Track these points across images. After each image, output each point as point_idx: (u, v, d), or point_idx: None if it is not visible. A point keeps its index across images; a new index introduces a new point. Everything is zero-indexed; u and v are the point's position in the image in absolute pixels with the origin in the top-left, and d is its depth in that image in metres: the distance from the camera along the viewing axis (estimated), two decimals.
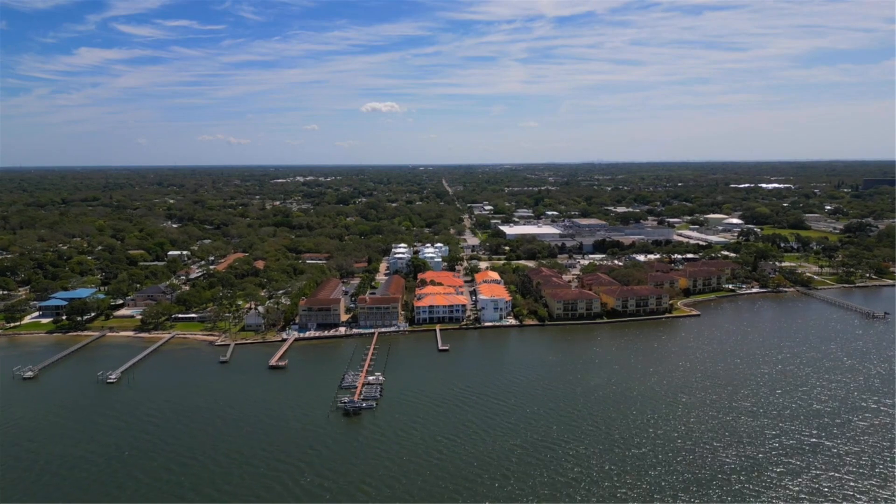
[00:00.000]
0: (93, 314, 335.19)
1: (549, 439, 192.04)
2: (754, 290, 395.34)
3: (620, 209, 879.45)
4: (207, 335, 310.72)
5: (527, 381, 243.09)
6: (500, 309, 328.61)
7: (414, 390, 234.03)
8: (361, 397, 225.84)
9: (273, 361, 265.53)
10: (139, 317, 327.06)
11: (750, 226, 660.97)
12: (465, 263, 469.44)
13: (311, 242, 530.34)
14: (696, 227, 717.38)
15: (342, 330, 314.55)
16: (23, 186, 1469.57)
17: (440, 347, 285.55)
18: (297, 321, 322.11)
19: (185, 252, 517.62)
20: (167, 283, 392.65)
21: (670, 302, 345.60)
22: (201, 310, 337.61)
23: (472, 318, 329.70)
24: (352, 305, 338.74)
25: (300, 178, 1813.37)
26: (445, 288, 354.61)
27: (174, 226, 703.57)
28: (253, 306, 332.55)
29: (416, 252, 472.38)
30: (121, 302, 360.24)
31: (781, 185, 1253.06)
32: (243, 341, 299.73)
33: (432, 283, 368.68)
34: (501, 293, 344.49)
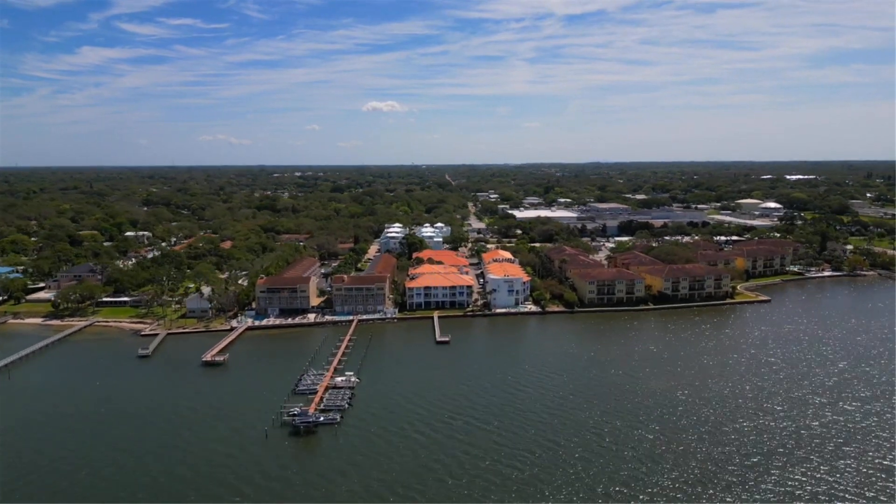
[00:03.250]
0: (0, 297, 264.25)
1: (608, 487, 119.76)
2: (826, 274, 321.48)
3: (639, 196, 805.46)
4: (136, 322, 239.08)
5: (557, 388, 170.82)
6: (516, 292, 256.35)
7: (397, 399, 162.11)
8: (320, 407, 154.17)
9: (208, 356, 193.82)
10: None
11: (791, 211, 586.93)
12: (470, 245, 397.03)
13: (291, 223, 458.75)
14: (729, 212, 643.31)
15: (311, 317, 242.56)
16: (7, 180, 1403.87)
17: (438, 339, 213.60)
18: (254, 306, 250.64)
19: (144, 233, 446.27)
20: (105, 263, 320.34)
21: (731, 284, 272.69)
22: (141, 293, 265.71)
23: (479, 303, 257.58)
24: (327, 287, 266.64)
25: (298, 174, 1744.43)
26: (446, 267, 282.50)
27: (144, 209, 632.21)
28: (201, 287, 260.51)
29: (411, 232, 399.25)
30: (42, 284, 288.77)
31: (804, 177, 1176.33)
32: (179, 330, 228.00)
33: (430, 261, 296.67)
34: (517, 273, 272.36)
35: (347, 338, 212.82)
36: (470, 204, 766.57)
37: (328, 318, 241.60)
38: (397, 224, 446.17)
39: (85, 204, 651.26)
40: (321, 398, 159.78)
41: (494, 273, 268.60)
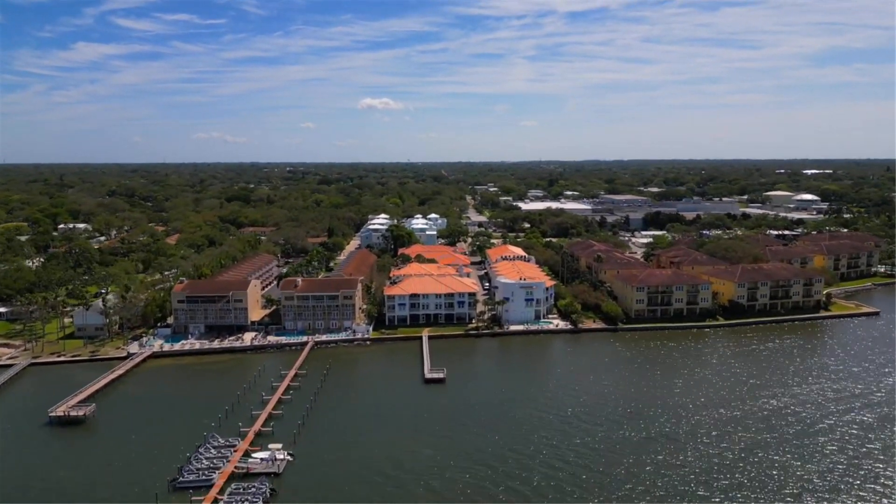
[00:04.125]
0: None
1: None
2: None
3: (653, 189, 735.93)
4: (1, 345, 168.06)
5: (619, 479, 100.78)
6: (537, 301, 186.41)
7: (353, 491, 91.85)
8: None
9: (62, 408, 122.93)
10: None
11: (834, 203, 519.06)
12: (471, 240, 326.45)
13: (256, 213, 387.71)
14: (758, 204, 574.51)
15: (248, 338, 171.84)
16: None
17: (427, 375, 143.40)
18: (171, 321, 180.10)
19: (84, 225, 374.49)
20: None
21: (825, 291, 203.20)
22: (24, 303, 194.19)
23: (486, 317, 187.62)
24: (278, 295, 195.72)
25: (288, 169, 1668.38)
26: (441, 268, 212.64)
27: (95, 199, 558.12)
28: (106, 296, 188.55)
29: (398, 224, 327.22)
30: None
31: (819, 171, 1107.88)
32: (51, 359, 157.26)
33: (419, 259, 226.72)
34: (535, 274, 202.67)
35: (291, 374, 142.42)
36: (468, 197, 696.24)
37: (272, 339, 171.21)
38: (383, 215, 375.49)
39: (35, 195, 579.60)
40: (215, 502, 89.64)
41: (506, 275, 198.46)
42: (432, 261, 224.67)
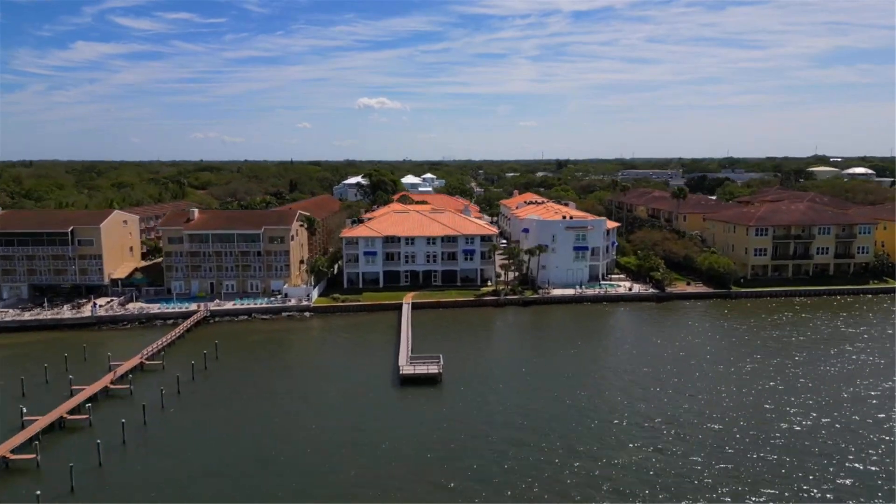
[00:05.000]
0: None
1: None
2: None
3: (671, 170, 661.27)
4: None
5: None
6: (593, 252, 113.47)
7: None
8: None
9: None
10: None
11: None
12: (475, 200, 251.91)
13: (214, 176, 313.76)
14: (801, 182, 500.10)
15: (92, 307, 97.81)
16: None
17: (404, 369, 69.66)
18: None
19: None
20: None
21: None
22: None
23: (513, 279, 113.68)
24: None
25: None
26: (436, 208, 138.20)
27: None
28: None
29: (379, 169, 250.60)
30: None
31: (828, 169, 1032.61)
32: None
33: (404, 200, 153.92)
34: (582, 216, 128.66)
35: (126, 367, 69.17)
36: (471, 180, 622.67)
37: (135, 307, 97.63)
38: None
39: None
40: None
41: (540, 216, 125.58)
42: (423, 203, 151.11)
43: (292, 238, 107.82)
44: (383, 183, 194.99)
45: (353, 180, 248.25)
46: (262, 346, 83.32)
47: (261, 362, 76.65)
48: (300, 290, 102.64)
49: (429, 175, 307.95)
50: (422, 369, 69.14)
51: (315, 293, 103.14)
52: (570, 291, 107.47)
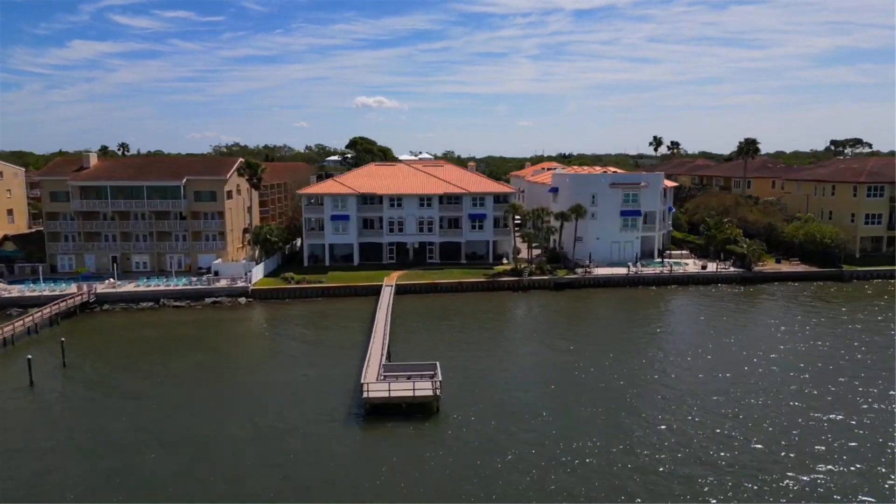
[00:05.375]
0: None
1: None
2: None
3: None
4: None
5: None
6: (646, 218, 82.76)
7: None
8: None
9: None
10: None
11: None
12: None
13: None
14: None
15: None
16: None
17: (370, 390, 38.52)
18: None
19: None
20: None
21: None
22: None
23: (538, 256, 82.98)
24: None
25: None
26: (429, 164, 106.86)
27: None
28: None
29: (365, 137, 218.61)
30: None
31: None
32: None
33: (388, 159, 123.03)
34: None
35: None
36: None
37: None
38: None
39: None
40: None
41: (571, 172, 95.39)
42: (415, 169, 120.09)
43: (230, 196, 77.04)
44: (371, 153, 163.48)
45: (335, 158, 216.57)
46: (154, 349, 52.47)
47: (138, 377, 45.85)
48: (235, 266, 71.75)
49: (425, 154, 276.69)
50: (403, 390, 38.46)
51: (259, 271, 72.32)
52: (620, 271, 76.70)
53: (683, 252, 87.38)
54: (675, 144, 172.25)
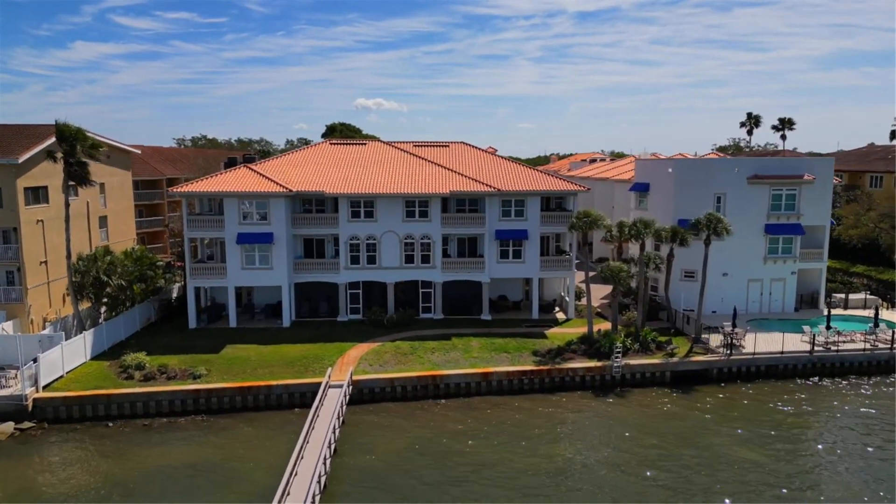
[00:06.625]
0: None
1: None
2: None
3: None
4: None
5: None
6: (800, 239, 46.03)
7: None
8: None
9: None
10: None
11: None
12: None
13: None
14: None
15: None
16: None
17: None
18: None
19: None
20: None
21: None
22: None
23: (629, 305, 46.24)
24: None
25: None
26: (429, 152, 69.36)
27: None
28: None
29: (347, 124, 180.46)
30: None
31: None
32: None
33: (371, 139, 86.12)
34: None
35: None
36: None
37: None
38: None
39: None
40: None
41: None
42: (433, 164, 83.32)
43: (38, 198, 40.38)
44: (356, 136, 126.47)
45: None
46: None
47: None
48: (16, 340, 34.82)
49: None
50: None
51: (81, 348, 35.63)
52: (791, 341, 39.76)
53: (869, 297, 50.45)
54: (786, 123, 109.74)
